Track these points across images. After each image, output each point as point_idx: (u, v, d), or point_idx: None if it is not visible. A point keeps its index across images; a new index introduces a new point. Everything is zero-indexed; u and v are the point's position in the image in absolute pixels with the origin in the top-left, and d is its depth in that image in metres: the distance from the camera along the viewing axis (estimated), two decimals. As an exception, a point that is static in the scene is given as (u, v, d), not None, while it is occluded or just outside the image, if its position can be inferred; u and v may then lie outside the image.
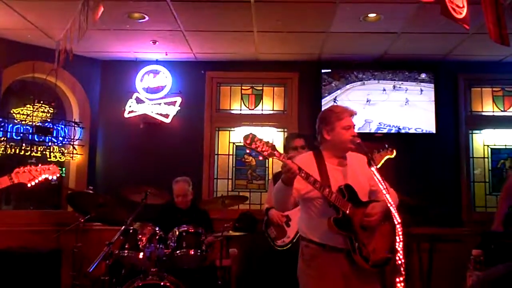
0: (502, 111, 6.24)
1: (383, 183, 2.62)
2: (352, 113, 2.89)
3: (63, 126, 5.81)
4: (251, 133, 2.53)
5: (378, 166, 3.67)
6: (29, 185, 3.47)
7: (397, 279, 2.52)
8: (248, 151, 2.59)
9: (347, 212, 2.70)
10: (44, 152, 5.53)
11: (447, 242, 5.24)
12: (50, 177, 3.56)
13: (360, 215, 2.75)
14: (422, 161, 5.91)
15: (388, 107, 5.93)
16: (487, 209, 6.08)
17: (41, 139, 5.55)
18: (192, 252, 4.10)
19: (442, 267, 5.18)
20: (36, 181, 3.46)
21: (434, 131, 5.88)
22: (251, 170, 6.29)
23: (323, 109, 5.76)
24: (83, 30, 3.30)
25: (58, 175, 3.64)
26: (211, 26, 5.02)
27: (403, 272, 2.53)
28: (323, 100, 5.93)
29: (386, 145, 3.96)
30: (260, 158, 2.54)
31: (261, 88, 6.41)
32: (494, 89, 6.28)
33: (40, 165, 3.53)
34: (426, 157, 5.95)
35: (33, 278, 4.83)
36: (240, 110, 6.39)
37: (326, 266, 2.76)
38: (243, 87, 6.42)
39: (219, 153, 6.31)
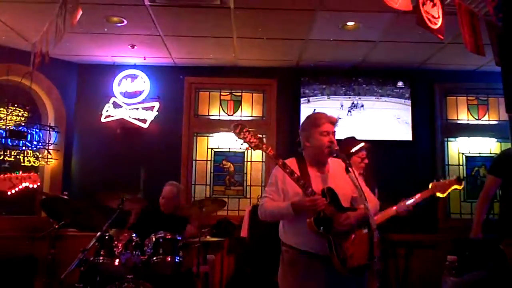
0: (476, 119, 6.37)
1: (362, 190, 2.64)
2: (330, 120, 2.91)
3: (37, 130, 5.70)
4: (240, 123, 2.62)
5: (444, 195, 3.71)
6: (9, 193, 3.39)
7: (374, 284, 2.54)
8: (237, 139, 2.67)
9: (328, 213, 2.71)
10: (18, 157, 5.42)
11: (423, 248, 5.32)
12: (30, 186, 3.49)
13: (338, 221, 2.76)
14: (399, 168, 5.97)
15: (363, 115, 6.00)
16: (462, 215, 6.19)
17: (14, 143, 5.43)
18: (169, 259, 4.06)
19: (418, 273, 5.24)
20: (16, 189, 3.39)
21: (410, 139, 5.97)
22: (229, 176, 6.27)
23: (301, 115, 5.86)
24: (60, 33, 3.24)
25: (38, 183, 3.56)
26: (190, 31, 5.01)
27: (380, 277, 2.55)
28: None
29: (455, 176, 3.85)
30: (247, 148, 2.63)
31: (240, 94, 6.42)
32: (469, 98, 6.41)
33: (21, 172, 3.45)
34: (402, 164, 6.02)
35: (6, 286, 4.71)
36: (219, 116, 6.37)
37: (305, 272, 2.77)
38: (222, 93, 6.41)
39: (197, 158, 6.28)
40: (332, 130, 2.88)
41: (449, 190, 3.76)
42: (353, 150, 3.70)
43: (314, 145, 2.88)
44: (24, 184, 3.39)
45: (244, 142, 2.61)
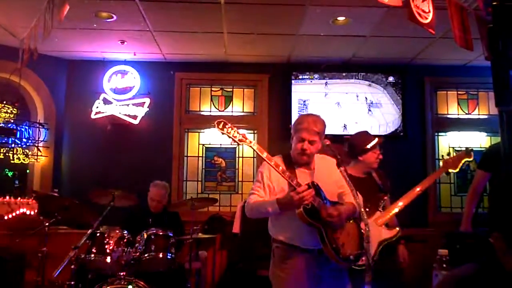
0: (466, 113, 6.41)
1: (351, 184, 2.66)
2: (312, 129, 2.88)
3: (27, 127, 5.65)
4: (223, 120, 2.68)
5: (457, 170, 3.56)
6: (6, 217, 3.38)
7: (366, 278, 2.54)
8: (221, 134, 2.72)
9: (316, 204, 2.73)
10: (7, 154, 5.37)
11: (414, 242, 5.34)
12: (28, 212, 3.48)
13: (327, 212, 2.78)
14: (390, 163, 5.97)
15: (354, 110, 6.02)
16: (452, 209, 6.23)
17: (3, 141, 5.38)
18: (161, 255, 4.05)
19: (410, 266, 5.26)
20: (14, 214, 3.38)
21: (401, 133, 6.00)
22: (220, 172, 6.26)
23: (292, 111, 5.88)
24: (48, 29, 3.21)
25: (36, 210, 3.54)
26: (180, 26, 4.98)
27: (372, 271, 2.56)
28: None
29: (466, 148, 3.69)
30: (231, 143, 2.71)
31: (231, 89, 6.40)
32: (459, 92, 6.44)
33: (19, 198, 3.44)
34: (393, 158, 6.02)
35: (-5, 284, 4.69)
36: (210, 111, 6.35)
37: (297, 267, 2.79)
38: (213, 89, 6.39)
39: (188, 154, 6.26)
40: (309, 139, 2.87)
41: (460, 165, 3.62)
42: (369, 146, 3.55)
43: (292, 147, 2.97)
44: (21, 210, 3.39)
45: (228, 137, 2.67)
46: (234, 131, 2.68)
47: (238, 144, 2.77)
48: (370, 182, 3.61)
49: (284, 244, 2.85)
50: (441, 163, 3.70)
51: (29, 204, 3.34)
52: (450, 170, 3.64)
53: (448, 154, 3.75)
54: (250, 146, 2.72)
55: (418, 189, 3.55)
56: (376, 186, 3.59)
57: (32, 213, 3.39)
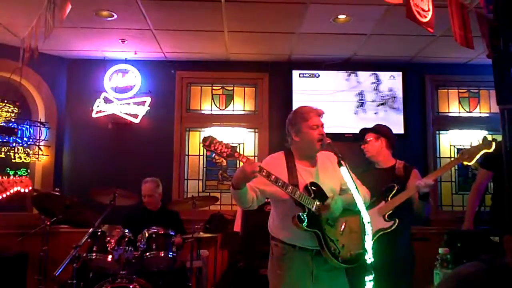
0: (467, 112, 6.39)
1: (354, 181, 2.64)
2: (318, 113, 2.89)
3: (28, 126, 5.64)
4: (210, 136, 2.56)
5: (473, 162, 3.39)
6: (0, 197, 3.36)
7: (366, 278, 2.54)
8: (208, 153, 2.61)
9: (313, 209, 2.71)
10: (8, 153, 5.37)
11: (415, 240, 5.33)
12: (22, 190, 3.46)
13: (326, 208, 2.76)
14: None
15: (355, 108, 6.02)
16: (454, 208, 6.22)
17: (5, 140, 5.38)
18: (162, 254, 4.06)
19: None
20: (8, 193, 3.36)
21: (402, 132, 5.98)
22: (222, 170, 6.26)
23: (293, 109, 5.85)
24: (49, 28, 3.20)
25: (30, 188, 3.52)
26: (181, 25, 4.98)
27: (372, 271, 2.55)
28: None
29: (484, 137, 3.43)
30: (220, 159, 2.60)
31: (231, 88, 6.40)
32: (460, 90, 6.43)
33: (12, 177, 3.43)
34: (394, 157, 6.02)
35: (-3, 283, 4.70)
36: (211, 110, 6.35)
37: (295, 266, 2.78)
38: (213, 87, 6.39)
39: (189, 153, 6.26)
40: (320, 124, 2.86)
41: (477, 157, 3.37)
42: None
43: (303, 139, 2.86)
44: (15, 188, 3.37)
45: (216, 154, 2.56)
46: (222, 146, 2.56)
47: (226, 159, 2.66)
48: (388, 173, 3.71)
49: (282, 243, 2.83)
50: (458, 155, 3.56)
51: (23, 181, 3.32)
52: (465, 163, 3.47)
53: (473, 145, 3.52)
54: (240, 160, 2.61)
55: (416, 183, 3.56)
56: (392, 177, 3.65)
57: (27, 190, 3.37)
